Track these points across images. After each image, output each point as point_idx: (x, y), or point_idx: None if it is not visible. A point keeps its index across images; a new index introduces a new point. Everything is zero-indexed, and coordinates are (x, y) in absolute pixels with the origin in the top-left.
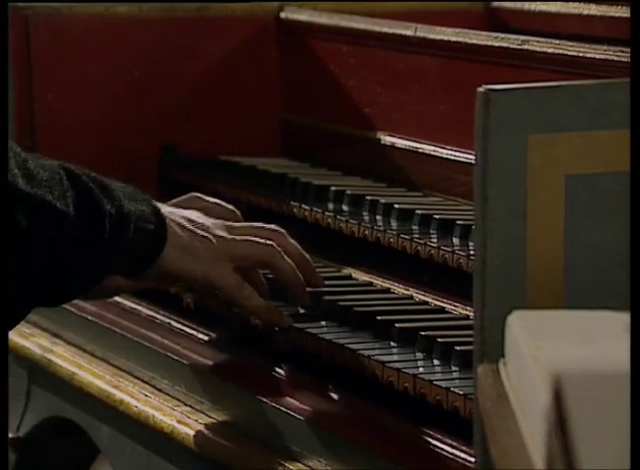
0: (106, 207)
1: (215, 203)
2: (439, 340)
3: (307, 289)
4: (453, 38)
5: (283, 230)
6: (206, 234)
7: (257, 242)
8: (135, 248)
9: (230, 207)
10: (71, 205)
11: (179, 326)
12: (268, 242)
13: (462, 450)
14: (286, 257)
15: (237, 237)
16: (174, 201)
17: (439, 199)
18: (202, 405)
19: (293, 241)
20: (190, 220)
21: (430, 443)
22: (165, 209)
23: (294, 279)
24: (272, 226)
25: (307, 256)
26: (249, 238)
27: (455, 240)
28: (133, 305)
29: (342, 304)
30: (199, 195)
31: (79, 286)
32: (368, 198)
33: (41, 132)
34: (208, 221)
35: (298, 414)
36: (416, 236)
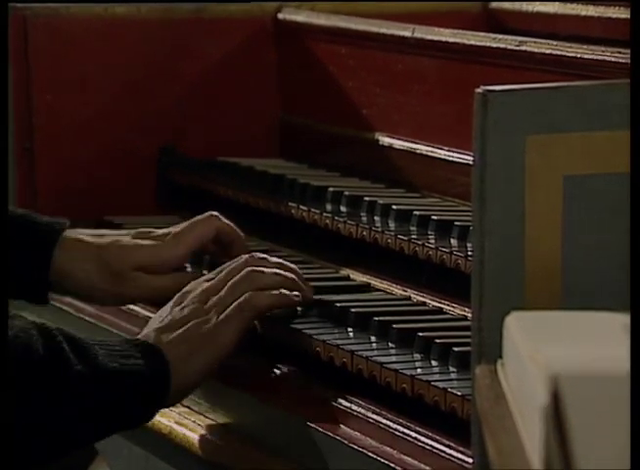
0: (76, 367)
1: (229, 224)
2: (437, 341)
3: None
4: (451, 39)
5: (261, 261)
6: (194, 307)
7: (235, 282)
8: (129, 403)
9: (240, 234)
10: (36, 364)
11: None
12: (246, 272)
13: (460, 451)
14: (267, 270)
15: (223, 294)
16: (193, 220)
17: (437, 200)
18: (199, 406)
19: (269, 270)
20: (182, 318)
21: (427, 443)
22: (162, 337)
23: (286, 303)
24: (245, 270)
25: (287, 275)
26: (230, 284)
27: (453, 241)
28: (131, 306)
29: (339, 304)
30: (216, 214)
31: (55, 448)
32: (366, 199)
33: (40, 133)
34: (189, 298)
35: (296, 415)
36: (414, 237)
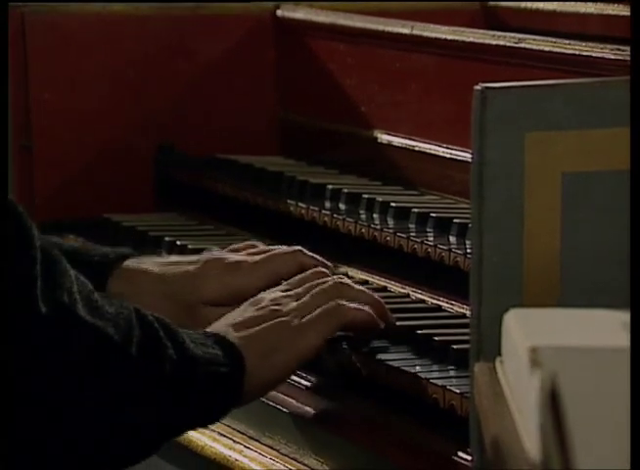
0: (169, 351)
1: (314, 259)
2: (436, 338)
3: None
4: (450, 36)
5: (347, 281)
6: (273, 308)
7: (323, 289)
8: (210, 395)
9: (289, 247)
10: (135, 344)
11: None
12: (333, 282)
13: (458, 449)
14: (356, 305)
15: (306, 299)
16: (275, 252)
17: (436, 197)
18: None
19: (358, 287)
20: (250, 312)
21: (426, 441)
22: (236, 334)
23: (372, 323)
24: (333, 280)
25: (373, 296)
26: (316, 290)
27: (452, 238)
28: None
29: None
30: (300, 249)
31: (139, 440)
32: (365, 196)
33: (38, 131)
34: (265, 294)
35: (286, 408)
36: (413, 234)
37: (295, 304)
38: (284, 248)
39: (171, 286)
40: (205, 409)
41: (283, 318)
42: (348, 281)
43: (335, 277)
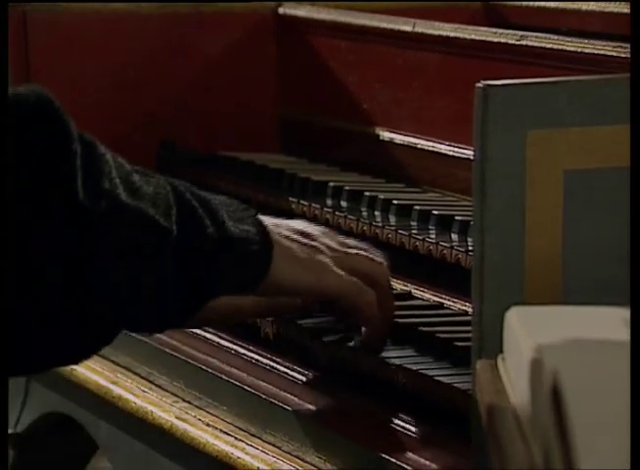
0: (208, 229)
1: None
2: (438, 335)
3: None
4: (452, 34)
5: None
6: (316, 244)
7: (367, 257)
8: (239, 271)
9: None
10: (174, 223)
11: None
12: (378, 260)
13: (460, 446)
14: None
15: (347, 249)
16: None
17: (438, 195)
18: (200, 401)
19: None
20: (297, 232)
21: (428, 438)
22: (270, 221)
23: (389, 310)
24: (377, 260)
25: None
26: (359, 252)
27: (454, 236)
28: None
29: None
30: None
31: (175, 310)
32: (366, 194)
33: None
34: (316, 230)
35: (288, 406)
36: (414, 232)
37: (334, 243)
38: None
39: None
40: (238, 281)
41: (321, 253)
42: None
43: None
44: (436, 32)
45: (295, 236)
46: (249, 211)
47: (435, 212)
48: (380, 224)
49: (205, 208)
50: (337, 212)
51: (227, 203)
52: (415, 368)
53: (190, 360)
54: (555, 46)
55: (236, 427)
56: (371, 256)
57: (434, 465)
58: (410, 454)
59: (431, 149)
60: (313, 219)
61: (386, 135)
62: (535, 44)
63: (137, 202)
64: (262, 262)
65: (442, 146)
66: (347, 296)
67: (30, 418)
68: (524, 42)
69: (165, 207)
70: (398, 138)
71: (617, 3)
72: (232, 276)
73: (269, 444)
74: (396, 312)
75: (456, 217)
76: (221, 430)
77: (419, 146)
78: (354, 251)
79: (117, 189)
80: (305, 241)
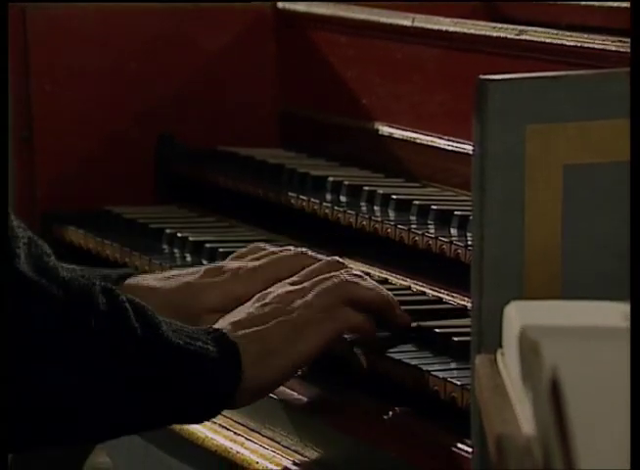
0: (136, 331)
1: (279, 251)
2: (437, 330)
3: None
4: (451, 28)
5: (355, 278)
6: (272, 302)
7: (328, 288)
8: (192, 390)
9: (293, 250)
10: (93, 315)
11: None
12: (340, 280)
13: (459, 441)
14: (363, 283)
15: (310, 298)
16: (237, 253)
17: (437, 189)
18: None
19: (369, 283)
20: (262, 315)
21: (427, 433)
22: (235, 333)
23: (382, 302)
24: (341, 277)
25: (383, 295)
26: (320, 289)
27: (453, 230)
28: None
29: None
30: (305, 251)
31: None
32: (366, 188)
33: (38, 124)
34: (272, 296)
35: (287, 401)
36: (414, 227)
37: (299, 302)
38: (289, 251)
39: (172, 298)
40: (182, 406)
41: (287, 317)
42: (358, 278)
43: (344, 272)
44: (436, 27)
45: (256, 320)
46: (209, 333)
47: (435, 207)
48: (379, 219)
49: (137, 310)
50: (336, 207)
51: (179, 324)
52: (414, 363)
53: None
54: (554, 41)
55: (235, 422)
56: (330, 284)
57: (433, 460)
58: (409, 450)
59: (430, 144)
60: (312, 214)
61: (385, 130)
62: (535, 39)
63: (40, 278)
64: (230, 378)
65: (442, 141)
66: (331, 337)
67: None
68: (523, 37)
69: (81, 294)
70: (398, 133)
71: None
72: (174, 394)
73: (268, 438)
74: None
75: (455, 212)
76: (220, 425)
77: (418, 141)
78: (316, 293)
79: (18, 258)
80: (268, 316)
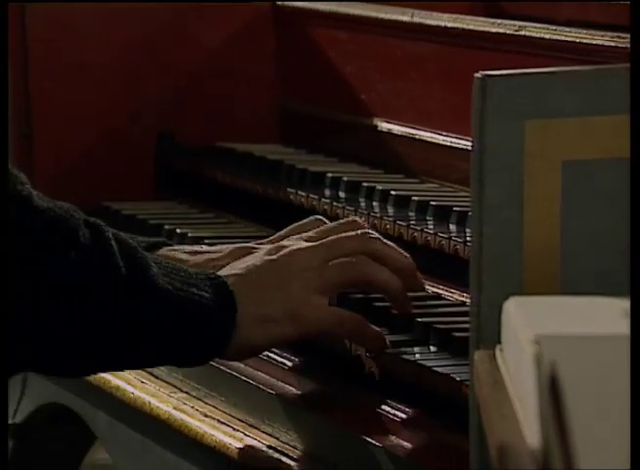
0: (120, 270)
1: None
2: (436, 326)
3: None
4: (450, 24)
5: (373, 233)
6: (286, 256)
7: (345, 264)
8: (181, 335)
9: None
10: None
11: None
12: (356, 259)
13: (458, 437)
14: (378, 267)
15: (323, 264)
16: (295, 225)
17: (436, 185)
18: (198, 392)
19: (386, 242)
20: (261, 268)
21: (425, 429)
22: (229, 274)
23: (393, 290)
24: (360, 231)
25: (405, 256)
26: (337, 262)
27: (452, 226)
28: None
29: None
30: (320, 218)
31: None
32: (365, 184)
33: (37, 120)
34: (285, 251)
35: (286, 396)
36: (413, 223)
37: (315, 262)
38: (301, 222)
39: None
40: (170, 349)
41: (291, 278)
42: (378, 235)
43: (360, 230)
44: (435, 23)
45: (258, 280)
46: (210, 278)
47: (434, 203)
48: (378, 215)
49: (123, 249)
50: (335, 203)
51: (176, 266)
52: (412, 359)
53: None
54: (553, 36)
55: (234, 417)
56: (348, 260)
57: (432, 456)
58: (409, 445)
59: (429, 139)
60: (311, 210)
61: (384, 126)
62: (534, 34)
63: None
64: (222, 330)
65: (441, 136)
66: (330, 330)
67: (29, 409)
68: (522, 32)
69: (71, 224)
70: (397, 129)
71: None
72: (182, 342)
73: (267, 434)
74: (394, 304)
75: (454, 208)
76: (219, 420)
77: (417, 137)
78: (331, 264)
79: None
80: (275, 265)
